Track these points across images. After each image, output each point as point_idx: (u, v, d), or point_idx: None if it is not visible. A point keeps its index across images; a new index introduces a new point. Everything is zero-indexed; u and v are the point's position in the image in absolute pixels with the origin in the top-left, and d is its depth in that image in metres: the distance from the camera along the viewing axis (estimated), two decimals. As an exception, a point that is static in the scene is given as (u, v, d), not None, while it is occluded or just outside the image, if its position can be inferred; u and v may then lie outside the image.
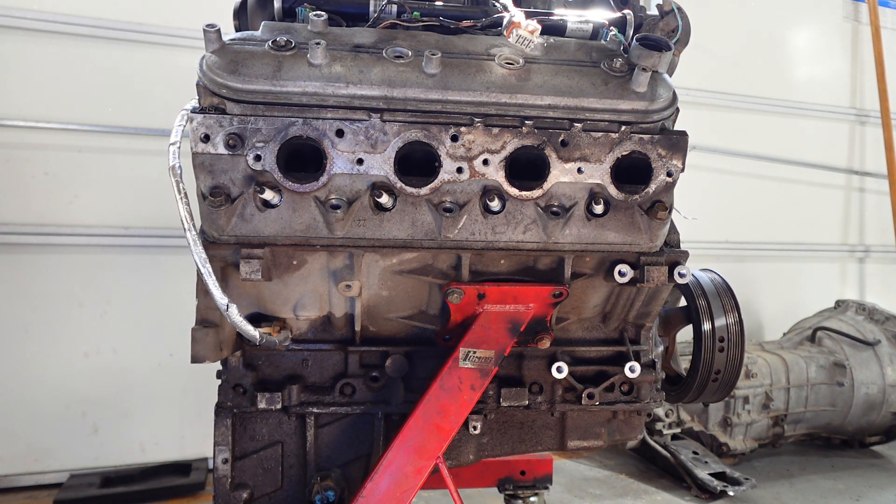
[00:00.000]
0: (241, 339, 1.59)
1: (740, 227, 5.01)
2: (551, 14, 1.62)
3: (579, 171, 1.42)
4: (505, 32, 1.46)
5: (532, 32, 1.43)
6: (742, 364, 1.92)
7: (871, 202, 5.48)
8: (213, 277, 1.31)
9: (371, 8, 1.55)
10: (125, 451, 3.56)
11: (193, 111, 1.32)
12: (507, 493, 2.45)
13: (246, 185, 1.34)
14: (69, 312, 3.45)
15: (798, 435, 4.13)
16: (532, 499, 2.44)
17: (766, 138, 4.99)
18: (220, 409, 1.65)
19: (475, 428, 1.71)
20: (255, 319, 1.59)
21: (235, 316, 1.34)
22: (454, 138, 1.37)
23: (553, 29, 1.59)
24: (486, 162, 1.39)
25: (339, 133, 1.34)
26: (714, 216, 4.84)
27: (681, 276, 1.54)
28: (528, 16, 1.49)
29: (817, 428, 4.15)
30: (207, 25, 1.31)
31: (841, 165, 5.35)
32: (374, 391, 1.70)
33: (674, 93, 1.46)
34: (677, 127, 1.50)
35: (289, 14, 1.56)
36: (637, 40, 1.41)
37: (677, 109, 1.48)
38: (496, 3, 1.57)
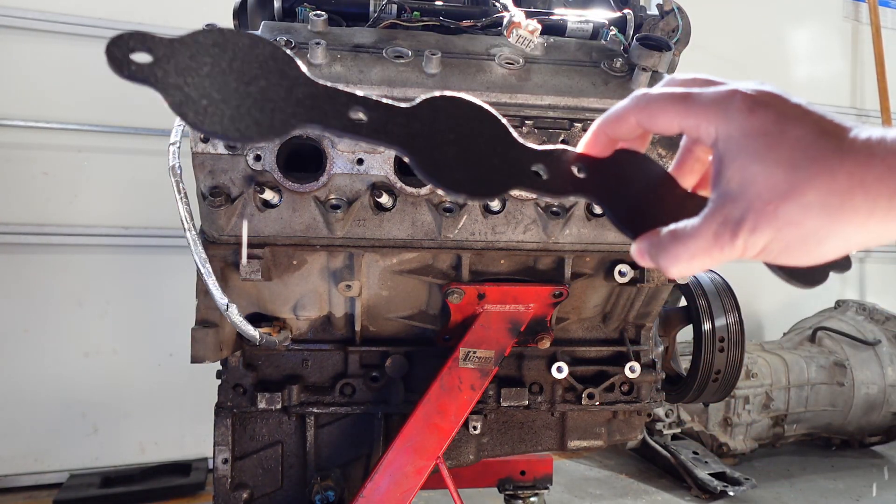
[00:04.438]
0: (241, 339, 1.59)
1: (740, 227, 5.00)
2: (551, 14, 1.61)
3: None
4: (505, 32, 1.46)
5: (532, 32, 1.43)
6: (742, 364, 1.92)
7: (872, 202, 5.47)
8: (213, 277, 1.31)
9: (371, 8, 1.55)
10: (125, 451, 3.56)
11: (193, 111, 1.32)
12: (507, 493, 2.45)
13: (246, 185, 1.34)
14: (69, 312, 3.45)
15: (798, 435, 4.13)
16: (532, 499, 2.43)
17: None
18: (220, 409, 1.65)
19: (475, 428, 1.71)
20: (255, 319, 1.59)
21: (235, 316, 1.34)
22: (454, 138, 1.37)
23: (553, 29, 1.59)
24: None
25: (339, 133, 1.34)
26: (714, 216, 4.83)
27: (681, 276, 1.54)
28: (529, 16, 1.49)
29: (817, 428, 4.15)
30: (207, 25, 1.31)
31: (841, 165, 5.34)
32: (374, 391, 1.70)
33: (674, 93, 1.46)
34: (677, 127, 1.50)
35: (289, 14, 1.56)
36: (637, 40, 1.41)
37: (677, 109, 1.47)
38: (496, 3, 1.57)
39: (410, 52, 1.40)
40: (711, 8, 4.68)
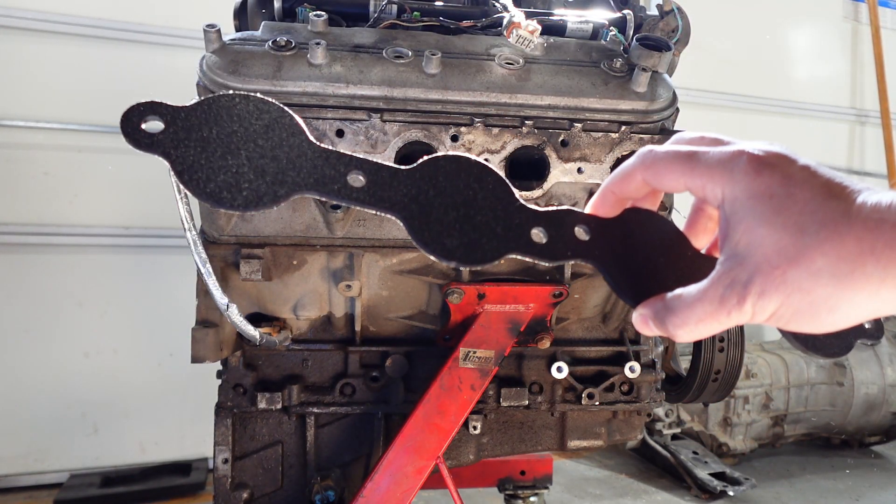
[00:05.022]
0: (241, 339, 1.59)
1: (740, 227, 5.00)
2: (551, 14, 1.62)
3: (579, 171, 1.42)
4: (505, 32, 1.46)
5: (532, 32, 1.43)
6: (742, 364, 1.92)
7: (871, 202, 5.47)
8: (214, 277, 1.31)
9: (371, 8, 1.55)
10: (125, 451, 3.56)
11: (194, 111, 1.32)
12: (507, 493, 2.45)
13: (246, 185, 1.34)
14: (69, 312, 3.45)
15: (798, 435, 4.13)
16: (532, 499, 2.43)
17: (766, 138, 4.96)
18: (220, 409, 1.65)
19: (475, 428, 1.71)
20: (255, 319, 1.59)
21: (235, 316, 1.34)
22: (454, 138, 1.38)
23: (553, 29, 1.59)
24: (486, 162, 1.39)
25: (340, 133, 1.34)
26: (714, 216, 4.83)
27: (681, 276, 1.54)
28: (529, 16, 1.49)
29: (817, 428, 4.15)
30: (207, 25, 1.31)
31: (841, 165, 5.35)
32: (374, 391, 1.70)
33: (674, 93, 1.46)
34: (677, 127, 1.50)
35: (289, 14, 1.56)
36: (637, 40, 1.41)
37: (677, 109, 1.48)
38: (496, 3, 1.57)
39: (410, 53, 1.40)
40: (711, 8, 4.69)
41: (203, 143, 0.51)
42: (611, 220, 0.58)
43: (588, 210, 0.60)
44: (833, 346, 0.53)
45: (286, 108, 0.53)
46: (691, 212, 0.61)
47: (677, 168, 0.54)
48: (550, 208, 0.57)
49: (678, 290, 0.53)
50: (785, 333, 0.54)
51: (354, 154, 0.54)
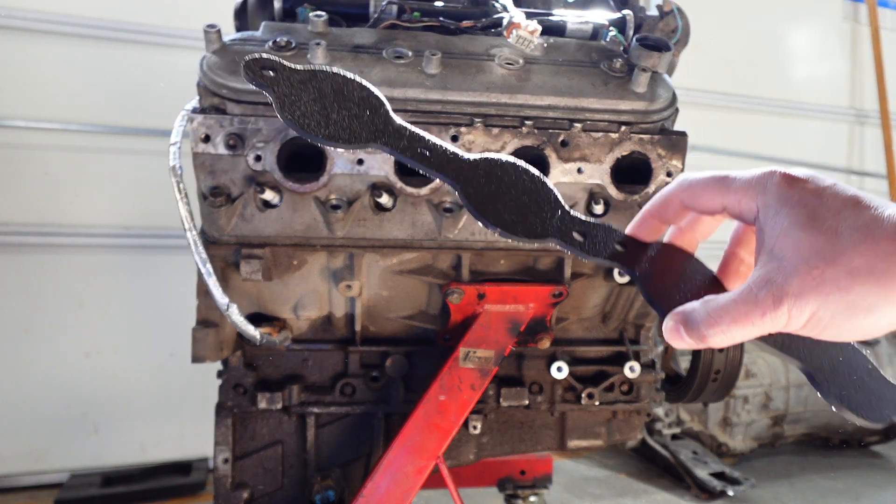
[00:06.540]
0: (241, 339, 1.59)
1: (740, 227, 5.00)
2: (551, 14, 1.62)
3: (579, 171, 1.42)
4: (505, 33, 1.46)
5: (532, 33, 1.43)
6: (742, 364, 1.92)
7: (871, 202, 5.46)
8: (214, 277, 1.31)
9: (371, 8, 1.55)
10: (126, 451, 3.56)
11: (194, 111, 1.32)
12: (507, 492, 2.45)
13: (246, 186, 1.34)
14: (69, 312, 3.45)
15: (797, 435, 4.13)
16: (532, 498, 2.44)
17: (765, 138, 5.00)
18: (220, 409, 1.65)
19: (475, 428, 1.72)
20: (256, 319, 1.60)
21: (236, 316, 1.34)
22: (454, 138, 1.38)
23: (553, 29, 1.59)
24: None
25: (340, 133, 1.34)
26: (714, 216, 4.83)
27: (680, 276, 1.54)
28: (529, 16, 1.49)
29: (817, 428, 4.15)
30: (208, 26, 1.31)
31: (840, 166, 5.35)
32: (374, 391, 1.70)
33: (673, 93, 1.46)
34: (677, 127, 1.50)
35: (289, 14, 1.57)
36: (637, 41, 1.42)
37: (677, 110, 1.48)
38: (496, 4, 1.57)
39: (410, 53, 1.40)
40: (711, 8, 4.69)
41: (304, 94, 0.62)
42: (647, 245, 0.62)
43: (628, 231, 0.62)
44: (868, 407, 0.53)
45: (378, 92, 0.63)
46: (724, 257, 0.62)
47: (713, 188, 0.57)
48: (593, 221, 0.61)
49: (708, 296, 0.54)
50: (820, 388, 0.54)
51: (426, 135, 0.61)
